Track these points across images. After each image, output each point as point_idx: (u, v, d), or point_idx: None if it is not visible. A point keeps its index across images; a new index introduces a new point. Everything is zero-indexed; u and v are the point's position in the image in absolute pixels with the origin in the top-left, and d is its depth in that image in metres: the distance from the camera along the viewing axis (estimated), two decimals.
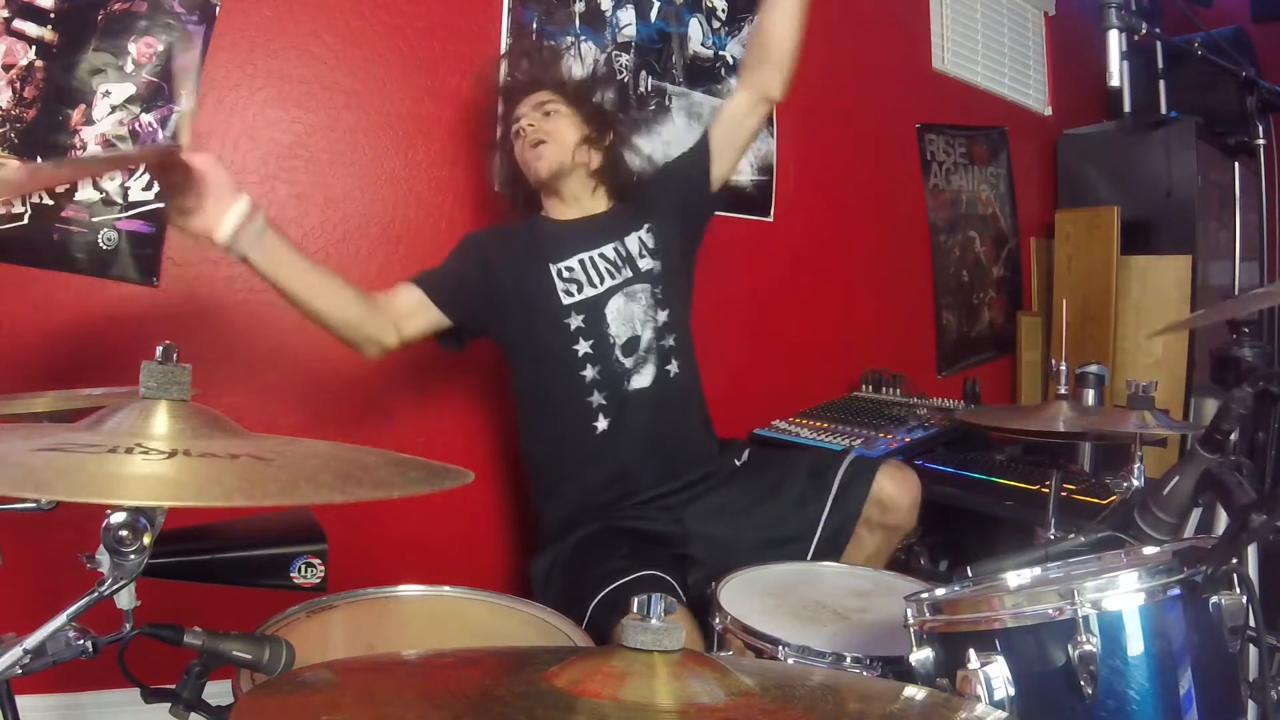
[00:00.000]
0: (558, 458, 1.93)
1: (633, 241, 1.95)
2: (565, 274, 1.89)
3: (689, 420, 1.98)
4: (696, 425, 2.00)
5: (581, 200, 1.98)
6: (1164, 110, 3.51)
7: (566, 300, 1.88)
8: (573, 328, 1.87)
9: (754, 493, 1.89)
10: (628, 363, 1.88)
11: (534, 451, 1.99)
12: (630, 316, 1.90)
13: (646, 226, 1.97)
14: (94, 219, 1.78)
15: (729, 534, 1.82)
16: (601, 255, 1.92)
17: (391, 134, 2.13)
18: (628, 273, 1.92)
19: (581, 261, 1.90)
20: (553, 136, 1.89)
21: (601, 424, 1.86)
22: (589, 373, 1.86)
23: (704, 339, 2.15)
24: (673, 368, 1.92)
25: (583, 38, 2.39)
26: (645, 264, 1.94)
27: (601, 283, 1.90)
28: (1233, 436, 1.23)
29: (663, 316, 1.92)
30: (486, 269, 1.89)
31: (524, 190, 2.02)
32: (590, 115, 1.95)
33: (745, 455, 2.01)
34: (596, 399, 1.87)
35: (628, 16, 2.48)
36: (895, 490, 1.83)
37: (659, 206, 1.99)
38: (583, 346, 1.87)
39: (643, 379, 1.89)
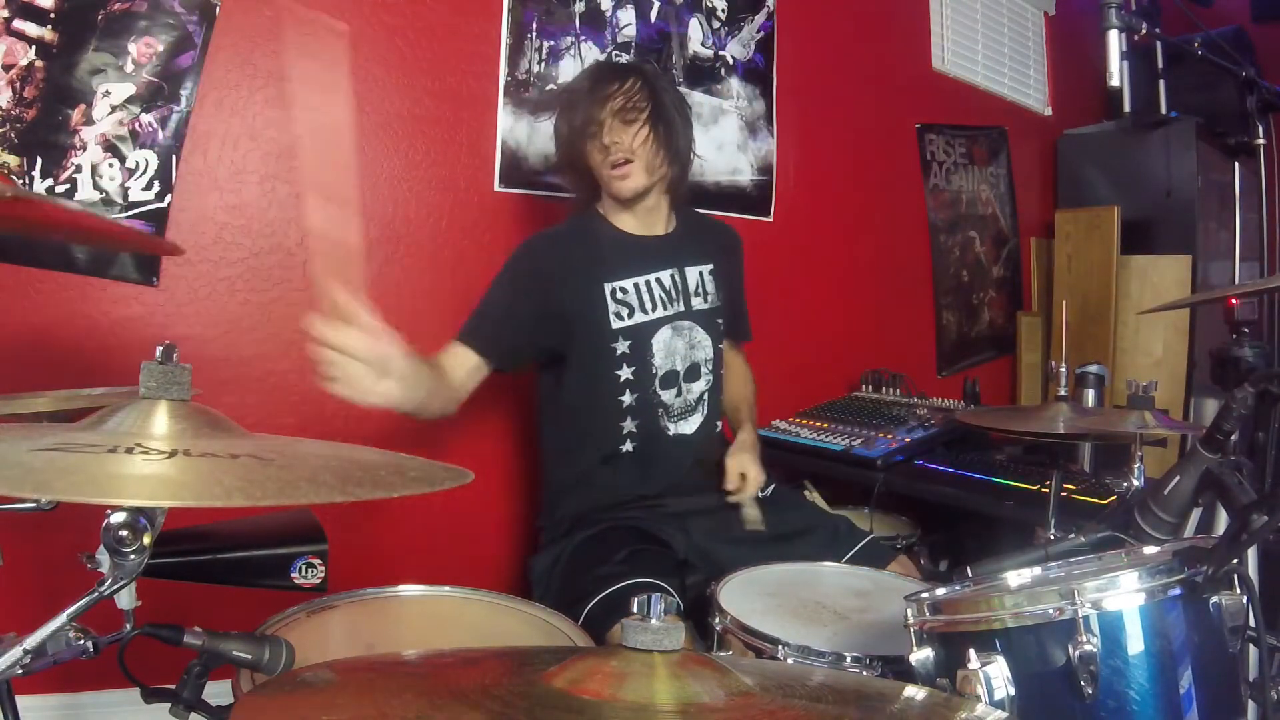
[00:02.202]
0: (578, 465, 1.89)
1: (693, 275, 1.93)
2: (619, 295, 1.85)
3: (712, 459, 1.95)
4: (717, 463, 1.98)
5: (649, 217, 1.92)
6: (1164, 110, 3.50)
7: (616, 324, 1.83)
8: (618, 352, 1.83)
9: (767, 530, 1.85)
10: (664, 395, 1.88)
11: (554, 452, 1.96)
12: (673, 350, 1.89)
13: (711, 267, 1.96)
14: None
15: (730, 557, 1.76)
16: (658, 281, 1.89)
17: (391, 134, 2.13)
18: (679, 306, 1.90)
19: (636, 285, 1.86)
20: (638, 155, 1.79)
21: (628, 446, 1.86)
22: (627, 398, 1.84)
23: None
24: (704, 408, 1.93)
25: (583, 38, 2.39)
26: (698, 303, 1.93)
27: (653, 310, 1.87)
28: (1233, 437, 1.23)
29: (700, 355, 1.93)
30: (543, 295, 1.80)
31: (586, 181, 1.92)
32: (669, 123, 1.84)
33: (770, 489, 1.96)
34: (628, 425, 1.85)
35: (628, 16, 2.48)
36: None
37: (724, 255, 2.01)
38: (625, 372, 1.84)
39: (684, 424, 1.91)
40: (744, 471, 1.86)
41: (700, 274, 1.95)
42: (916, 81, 3.37)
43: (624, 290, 1.85)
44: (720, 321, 1.98)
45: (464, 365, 1.72)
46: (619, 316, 1.84)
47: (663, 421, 1.88)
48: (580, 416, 1.88)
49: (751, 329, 2.20)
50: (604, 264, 1.85)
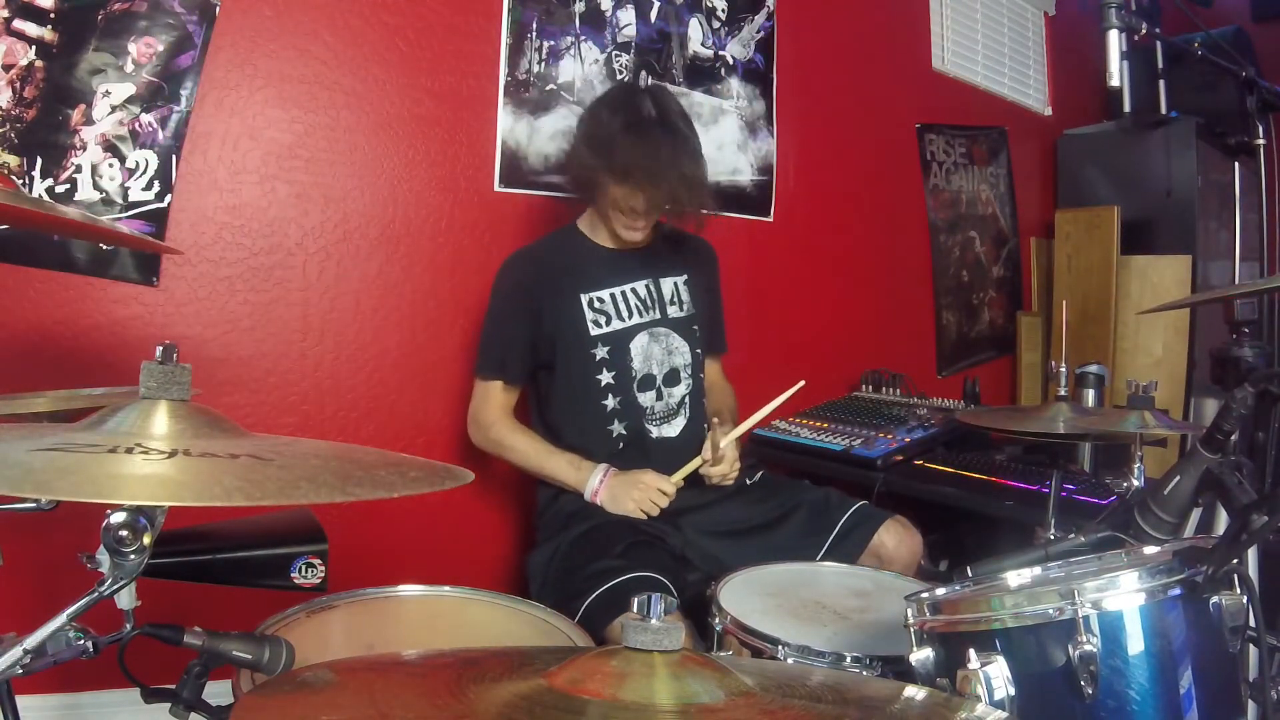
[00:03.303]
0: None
1: (667, 285, 1.99)
2: (596, 304, 1.92)
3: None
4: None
5: None
6: (1164, 110, 3.50)
7: (595, 331, 1.91)
8: (598, 358, 1.90)
9: (757, 517, 1.89)
10: (642, 399, 1.93)
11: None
12: (650, 355, 1.94)
13: (685, 277, 2.02)
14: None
15: (724, 552, 1.82)
16: (634, 290, 1.95)
17: (391, 134, 2.13)
18: (655, 314, 1.96)
19: (613, 295, 1.93)
20: (651, 218, 1.88)
21: (620, 447, 1.92)
22: (610, 402, 1.91)
23: None
24: (687, 411, 1.97)
25: (583, 38, 2.39)
26: (674, 311, 1.99)
27: (630, 318, 1.94)
28: (1233, 437, 1.23)
29: (678, 361, 1.97)
30: (534, 313, 1.90)
31: (587, 194, 1.94)
32: (688, 187, 1.86)
33: (758, 476, 2.01)
34: (617, 428, 1.92)
35: (628, 16, 2.48)
36: (895, 545, 1.80)
37: (698, 268, 2.04)
38: (605, 377, 1.91)
39: (667, 427, 1.95)
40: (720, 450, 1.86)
41: (675, 284, 2.01)
42: (916, 81, 3.37)
43: (601, 300, 1.92)
44: (696, 329, 2.02)
45: (504, 399, 1.94)
46: (597, 324, 1.91)
47: (646, 425, 1.93)
48: (570, 421, 1.93)
49: (726, 341, 2.24)
50: (581, 276, 1.92)
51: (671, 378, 1.97)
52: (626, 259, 1.97)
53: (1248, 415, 1.25)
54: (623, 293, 1.94)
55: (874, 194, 3.20)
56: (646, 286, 1.97)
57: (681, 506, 1.87)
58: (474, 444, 1.99)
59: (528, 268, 1.94)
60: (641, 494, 1.81)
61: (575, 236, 1.99)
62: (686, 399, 1.98)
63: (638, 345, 1.93)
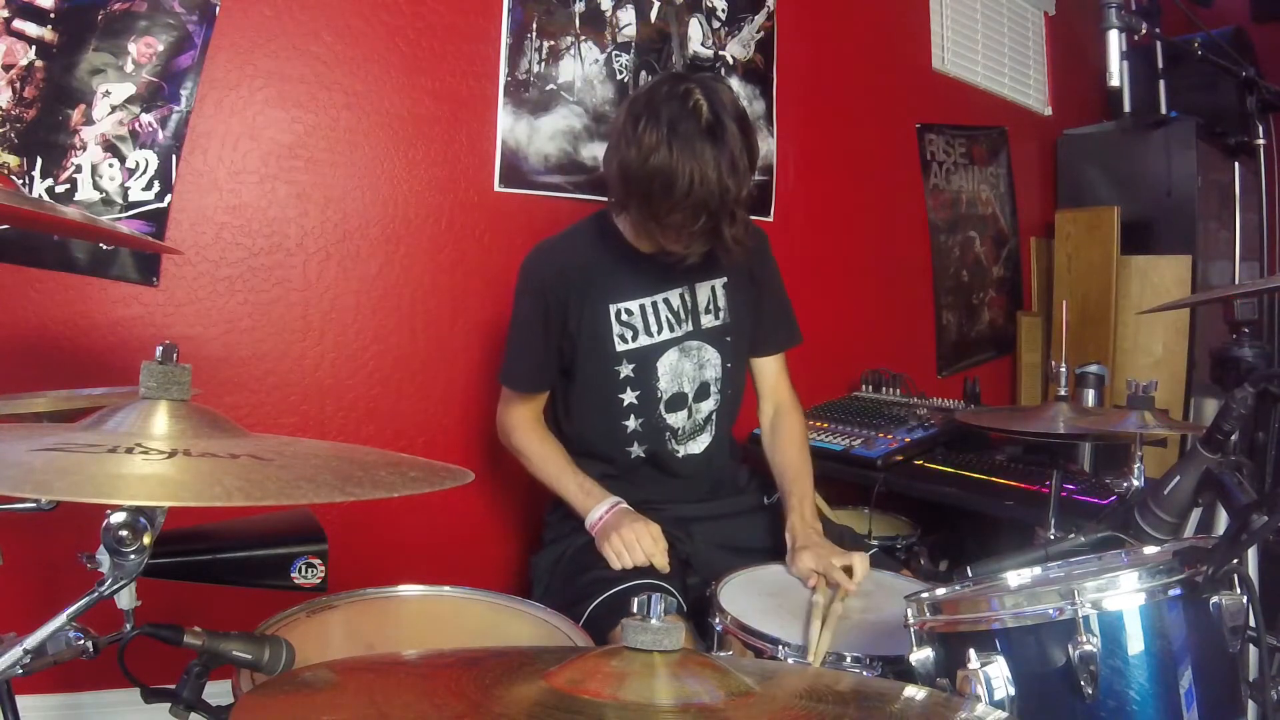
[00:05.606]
0: (587, 469, 1.83)
1: (704, 291, 1.82)
2: (624, 316, 1.77)
3: (725, 473, 1.93)
4: (732, 473, 1.96)
5: None
6: (1164, 110, 3.50)
7: (620, 346, 1.77)
8: (621, 376, 1.78)
9: (768, 540, 1.81)
10: (670, 419, 1.83)
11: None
12: (680, 373, 1.82)
13: (725, 280, 1.84)
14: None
15: (730, 568, 1.70)
16: (665, 301, 1.80)
17: (391, 134, 2.13)
18: (688, 326, 1.81)
19: (643, 306, 1.78)
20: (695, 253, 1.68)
21: (638, 466, 1.85)
22: (631, 423, 1.81)
23: None
24: (713, 428, 1.88)
25: (583, 38, 2.39)
26: (708, 320, 1.83)
27: (659, 333, 1.79)
28: (1233, 437, 1.23)
29: (709, 374, 1.85)
30: (558, 319, 1.76)
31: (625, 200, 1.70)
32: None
33: (776, 496, 1.90)
34: (636, 450, 1.83)
35: (628, 16, 2.48)
36: None
37: (742, 265, 1.79)
38: (629, 396, 1.79)
39: (693, 444, 1.86)
40: (820, 571, 1.56)
41: (712, 289, 1.84)
42: (916, 81, 3.37)
43: (629, 311, 1.78)
44: (730, 339, 1.86)
45: (537, 408, 1.86)
46: (623, 339, 1.78)
47: (670, 445, 1.84)
48: (587, 436, 1.84)
49: (800, 332, 2.05)
50: (610, 282, 1.77)
51: (702, 392, 1.85)
52: (660, 263, 1.75)
53: (1248, 415, 1.25)
54: (653, 304, 1.78)
55: (874, 194, 3.20)
56: (680, 295, 1.80)
57: (695, 515, 1.83)
58: (501, 446, 1.90)
59: (552, 268, 1.79)
60: (627, 536, 1.63)
61: (608, 234, 1.79)
62: (714, 415, 1.88)
63: (665, 363, 1.80)
